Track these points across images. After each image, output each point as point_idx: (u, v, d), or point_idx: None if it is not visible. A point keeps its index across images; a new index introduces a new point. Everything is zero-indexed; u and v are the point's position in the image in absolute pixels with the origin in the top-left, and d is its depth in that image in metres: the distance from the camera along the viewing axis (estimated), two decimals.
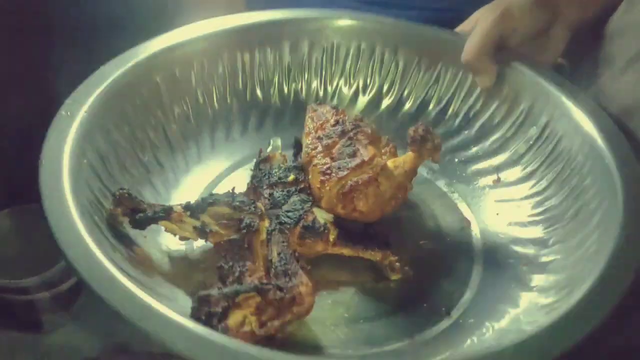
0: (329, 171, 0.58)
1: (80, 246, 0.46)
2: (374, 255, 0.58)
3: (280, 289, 0.48)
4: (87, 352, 0.99)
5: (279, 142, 0.69)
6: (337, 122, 0.63)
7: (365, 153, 0.59)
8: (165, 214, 0.54)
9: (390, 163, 0.60)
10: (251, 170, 0.64)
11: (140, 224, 0.54)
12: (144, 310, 0.42)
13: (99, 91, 0.61)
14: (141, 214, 0.54)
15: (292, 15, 0.75)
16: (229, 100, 0.73)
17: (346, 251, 0.58)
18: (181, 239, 0.55)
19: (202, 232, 0.54)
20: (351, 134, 0.61)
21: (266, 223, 0.55)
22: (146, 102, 0.66)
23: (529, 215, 0.63)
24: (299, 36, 0.75)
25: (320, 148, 0.61)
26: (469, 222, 0.65)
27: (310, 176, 0.61)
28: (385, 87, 0.76)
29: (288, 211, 0.57)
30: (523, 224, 0.63)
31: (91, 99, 0.59)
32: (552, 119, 0.65)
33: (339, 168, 0.58)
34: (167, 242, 0.57)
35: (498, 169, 0.68)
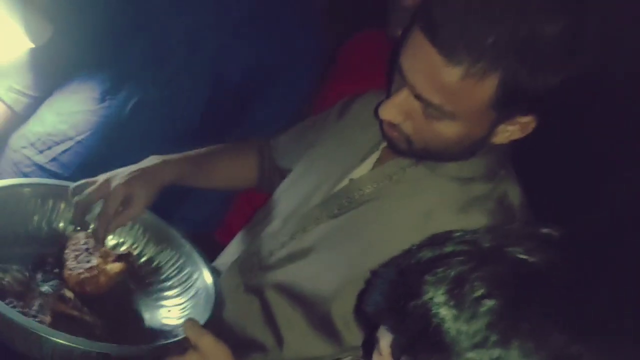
0: (72, 270, 1.17)
1: None
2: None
3: None
4: None
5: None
6: (85, 243, 1.23)
7: (94, 262, 1.19)
8: None
9: (108, 266, 1.20)
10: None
11: None
12: None
13: None
14: None
15: None
16: None
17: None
18: None
19: None
20: (90, 250, 1.21)
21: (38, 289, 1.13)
22: None
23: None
24: None
25: (72, 256, 1.20)
26: None
27: (65, 271, 1.19)
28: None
29: (51, 286, 1.15)
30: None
31: None
32: None
33: (78, 269, 1.18)
34: None
35: None
